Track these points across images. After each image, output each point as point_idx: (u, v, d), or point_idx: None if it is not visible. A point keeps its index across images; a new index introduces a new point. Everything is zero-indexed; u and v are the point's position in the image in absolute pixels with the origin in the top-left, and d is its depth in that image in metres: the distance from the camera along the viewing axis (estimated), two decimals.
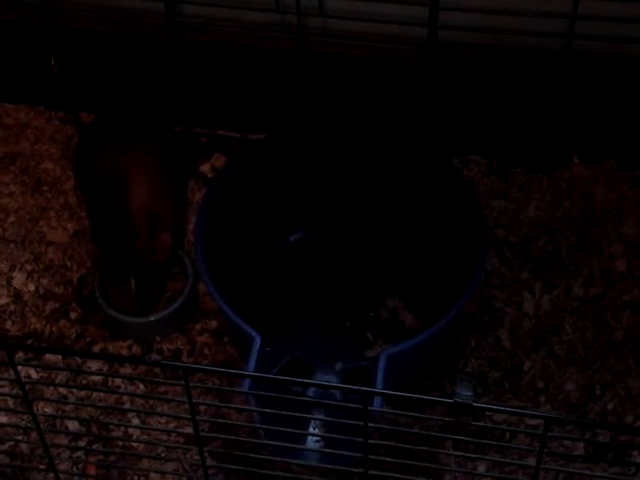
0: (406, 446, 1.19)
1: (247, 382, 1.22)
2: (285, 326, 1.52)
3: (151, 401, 1.45)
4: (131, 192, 1.48)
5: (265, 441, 1.26)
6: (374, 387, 1.24)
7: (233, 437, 1.30)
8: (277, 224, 1.58)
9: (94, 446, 1.42)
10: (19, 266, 1.57)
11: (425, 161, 1.51)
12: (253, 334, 1.31)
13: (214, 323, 1.53)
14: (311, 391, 1.45)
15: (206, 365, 1.46)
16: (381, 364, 1.28)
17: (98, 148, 1.53)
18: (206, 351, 1.50)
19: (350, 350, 1.50)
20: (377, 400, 1.22)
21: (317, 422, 1.41)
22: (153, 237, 1.48)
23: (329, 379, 1.47)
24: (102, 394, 1.45)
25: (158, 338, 1.51)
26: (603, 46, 1.51)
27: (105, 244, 1.48)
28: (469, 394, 1.03)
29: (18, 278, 1.57)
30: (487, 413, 1.41)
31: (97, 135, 1.57)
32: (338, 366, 1.48)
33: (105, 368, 1.47)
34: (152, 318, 1.50)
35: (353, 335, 1.52)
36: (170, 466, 1.40)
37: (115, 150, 1.52)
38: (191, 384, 1.09)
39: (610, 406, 1.42)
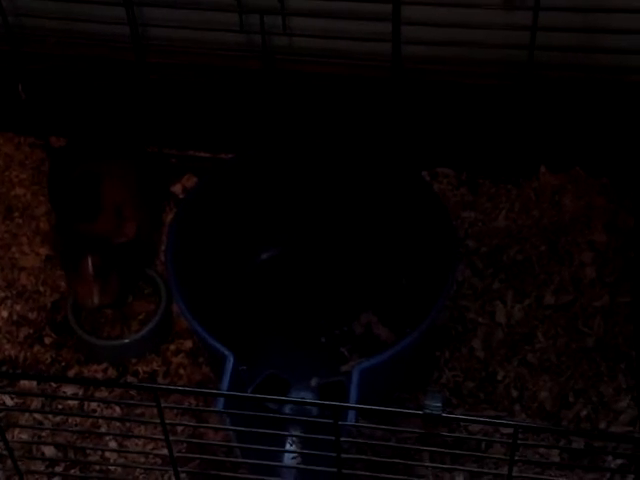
0: (382, 459, 1.20)
1: (221, 401, 1.23)
2: (260, 344, 1.52)
3: (128, 424, 1.45)
4: (102, 189, 1.49)
5: (241, 460, 1.26)
6: (348, 402, 1.25)
7: (209, 457, 1.30)
8: (249, 242, 1.58)
9: (71, 471, 1.41)
10: None
11: (395, 175, 1.52)
12: (226, 353, 1.31)
13: (189, 343, 1.53)
14: (288, 408, 1.45)
15: (180, 385, 1.46)
16: (354, 378, 1.28)
17: (72, 169, 1.54)
18: (182, 371, 1.50)
19: (325, 366, 1.50)
20: (351, 415, 1.23)
21: (294, 439, 1.42)
22: (117, 220, 1.48)
23: (305, 395, 1.47)
24: (78, 419, 1.45)
25: (133, 360, 1.51)
26: (566, 56, 1.52)
27: (66, 224, 1.48)
28: (438, 405, 1.03)
29: None
30: (463, 424, 1.42)
31: (71, 157, 1.58)
32: (314, 382, 1.48)
33: (80, 392, 1.47)
34: (126, 340, 1.50)
35: (328, 350, 1.52)
36: None
37: (89, 168, 1.52)
38: (165, 405, 1.10)
39: (584, 412, 1.42)
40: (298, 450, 1.37)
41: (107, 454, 1.42)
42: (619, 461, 1.37)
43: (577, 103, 1.55)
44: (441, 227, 1.45)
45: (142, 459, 1.43)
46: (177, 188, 1.68)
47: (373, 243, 1.57)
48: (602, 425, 1.41)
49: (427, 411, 1.05)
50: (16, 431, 1.44)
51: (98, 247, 1.46)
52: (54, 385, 1.48)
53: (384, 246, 1.57)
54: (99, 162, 1.54)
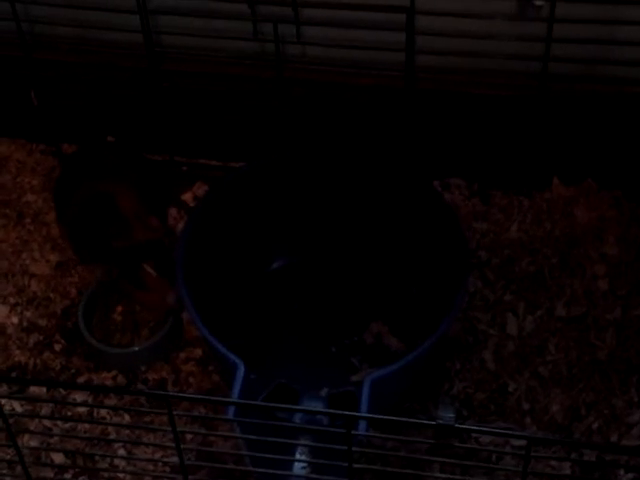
0: (392, 470, 1.19)
1: (231, 409, 1.22)
2: (270, 353, 1.52)
3: (137, 431, 1.45)
4: (117, 202, 1.50)
5: (251, 468, 1.25)
6: (359, 412, 1.24)
7: (219, 465, 1.30)
8: (260, 251, 1.58)
9: (80, 478, 1.41)
10: (2, 299, 1.57)
11: (406, 186, 1.51)
12: (237, 361, 1.31)
13: (199, 351, 1.53)
14: (297, 417, 1.45)
15: (190, 393, 1.45)
16: (365, 389, 1.28)
17: (79, 180, 1.54)
18: (191, 380, 1.50)
19: (335, 375, 1.50)
20: (362, 424, 1.22)
21: (304, 448, 1.41)
22: (143, 224, 1.51)
23: (315, 405, 1.47)
24: (87, 425, 1.45)
25: (143, 368, 1.51)
26: (579, 68, 1.52)
27: (106, 255, 1.49)
28: (451, 416, 1.03)
29: (1, 311, 1.56)
30: (474, 435, 1.41)
31: (78, 168, 1.58)
32: (324, 392, 1.48)
33: (90, 399, 1.47)
34: (136, 348, 1.50)
35: (338, 360, 1.52)
36: None
37: (96, 181, 1.53)
38: (176, 413, 1.09)
39: (595, 425, 1.42)
40: (308, 460, 1.36)
41: (116, 461, 1.42)
42: (630, 475, 1.37)
43: (590, 115, 1.55)
44: (452, 238, 1.45)
45: (151, 467, 1.42)
46: (187, 196, 1.68)
47: (384, 253, 1.57)
48: (613, 438, 1.41)
49: (440, 422, 1.04)
50: (25, 437, 1.44)
51: (147, 252, 1.48)
52: (64, 392, 1.48)
53: (395, 256, 1.57)
54: (106, 179, 1.54)
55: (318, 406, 1.46)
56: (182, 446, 1.13)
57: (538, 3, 1.46)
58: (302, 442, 1.32)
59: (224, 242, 1.53)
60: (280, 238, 1.58)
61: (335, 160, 1.54)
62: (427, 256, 1.52)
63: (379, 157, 1.55)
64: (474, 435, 1.41)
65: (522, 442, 1.38)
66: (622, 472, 1.37)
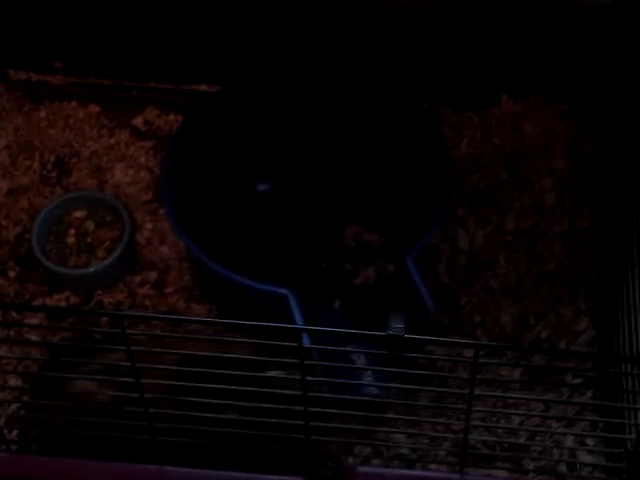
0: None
1: (305, 337, 1.16)
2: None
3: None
4: None
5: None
6: (418, 292, 1.29)
7: None
8: (243, 175, 1.57)
9: None
10: None
11: (388, 103, 1.51)
12: (285, 292, 1.31)
13: (154, 275, 1.53)
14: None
15: (144, 312, 1.46)
16: (413, 269, 1.32)
17: None
18: (147, 302, 1.51)
19: (338, 285, 1.52)
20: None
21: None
22: None
23: (329, 316, 1.47)
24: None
25: (99, 291, 1.51)
26: None
27: None
28: (401, 326, 1.04)
29: None
30: (428, 349, 1.43)
31: None
32: (336, 303, 1.50)
33: (44, 324, 1.47)
34: (92, 269, 1.50)
35: (333, 272, 1.53)
36: None
37: None
38: (129, 332, 1.09)
39: (544, 334, 1.45)
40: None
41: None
42: (578, 380, 1.40)
43: (536, 31, 1.55)
44: (431, 150, 1.46)
45: None
46: (138, 121, 1.66)
47: (363, 169, 1.57)
48: (562, 346, 1.43)
49: (390, 332, 1.06)
50: None
51: None
52: (17, 316, 1.48)
53: (377, 173, 1.56)
54: None
55: (336, 319, 1.47)
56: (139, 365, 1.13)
57: None
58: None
59: (206, 167, 1.52)
60: (263, 161, 1.57)
61: (313, 77, 1.53)
62: (408, 171, 1.52)
63: (352, 72, 1.54)
64: (428, 349, 1.42)
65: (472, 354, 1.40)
66: (570, 377, 1.40)
